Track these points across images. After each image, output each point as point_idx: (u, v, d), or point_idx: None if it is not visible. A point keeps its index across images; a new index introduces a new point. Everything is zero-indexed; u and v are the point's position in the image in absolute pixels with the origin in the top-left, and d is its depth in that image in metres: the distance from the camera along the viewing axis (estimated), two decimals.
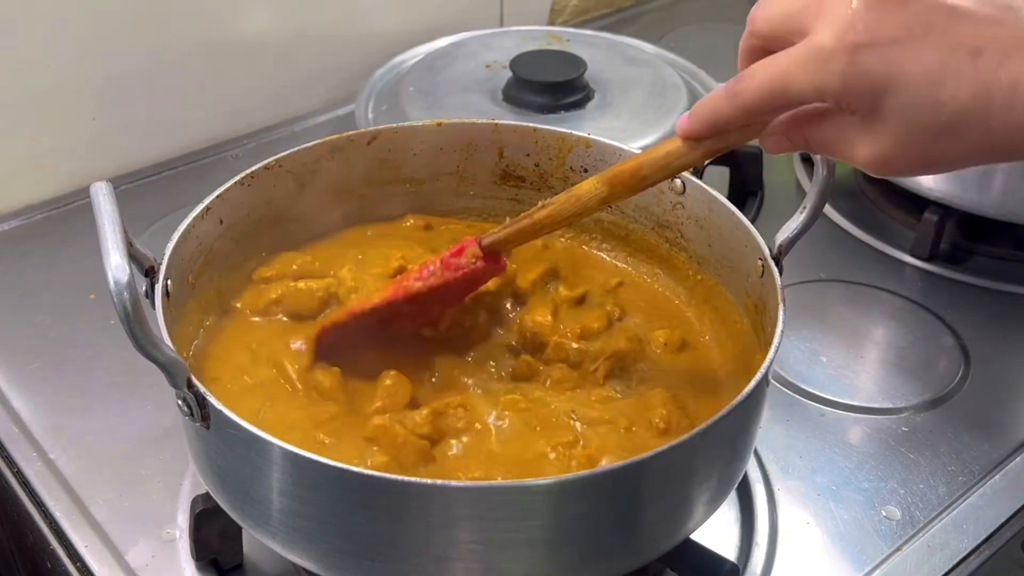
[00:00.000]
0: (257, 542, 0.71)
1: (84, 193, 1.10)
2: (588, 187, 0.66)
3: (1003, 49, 0.49)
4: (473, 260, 0.70)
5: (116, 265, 0.54)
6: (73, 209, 1.06)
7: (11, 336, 0.92)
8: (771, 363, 0.63)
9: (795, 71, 0.53)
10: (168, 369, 0.57)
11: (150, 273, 0.66)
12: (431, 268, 0.71)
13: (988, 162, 0.53)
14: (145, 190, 1.09)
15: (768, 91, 0.54)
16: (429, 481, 0.56)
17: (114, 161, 1.10)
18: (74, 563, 0.74)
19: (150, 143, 1.12)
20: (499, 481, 0.63)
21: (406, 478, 0.56)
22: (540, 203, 0.68)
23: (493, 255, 0.71)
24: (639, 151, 0.80)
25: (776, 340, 0.64)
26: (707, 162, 0.79)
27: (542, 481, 0.58)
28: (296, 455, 0.56)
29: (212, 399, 0.58)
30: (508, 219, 0.71)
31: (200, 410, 0.59)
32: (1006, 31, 0.50)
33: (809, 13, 0.53)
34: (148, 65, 1.08)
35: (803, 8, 0.53)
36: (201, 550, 0.73)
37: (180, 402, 0.60)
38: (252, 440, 0.58)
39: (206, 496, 0.70)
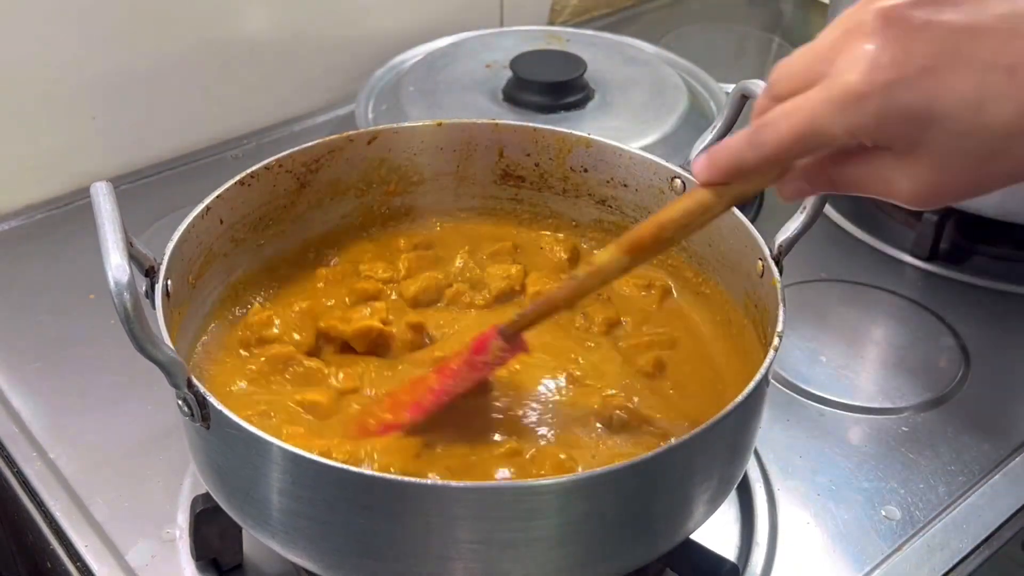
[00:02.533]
0: (257, 542, 0.71)
1: (84, 193, 1.09)
2: (607, 258, 0.62)
3: None
4: (499, 353, 0.68)
5: (116, 265, 0.54)
6: (73, 209, 1.06)
7: (11, 336, 0.92)
8: (771, 363, 0.63)
9: (824, 115, 0.50)
10: (168, 369, 0.57)
11: (150, 273, 0.65)
12: (458, 372, 0.69)
13: None
14: (145, 190, 1.09)
15: (795, 137, 0.52)
16: (429, 481, 0.56)
17: (114, 161, 1.10)
18: (74, 563, 0.74)
19: (150, 143, 1.12)
20: (500, 482, 0.63)
21: (406, 478, 0.56)
22: (560, 281, 0.65)
23: (514, 338, 0.68)
24: (639, 151, 0.80)
25: (776, 341, 0.64)
26: None
27: (543, 481, 0.58)
28: (296, 455, 0.56)
29: (212, 399, 0.58)
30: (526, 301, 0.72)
31: (200, 410, 0.59)
32: None
33: (826, 59, 0.51)
34: (148, 65, 1.08)
35: (820, 55, 0.51)
36: (201, 550, 0.73)
37: (180, 402, 0.60)
38: (252, 440, 0.58)
39: (206, 496, 0.70)
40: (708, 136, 0.78)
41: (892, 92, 0.48)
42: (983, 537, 0.78)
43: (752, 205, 1.10)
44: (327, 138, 0.80)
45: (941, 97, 0.48)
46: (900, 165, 0.51)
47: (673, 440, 0.58)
